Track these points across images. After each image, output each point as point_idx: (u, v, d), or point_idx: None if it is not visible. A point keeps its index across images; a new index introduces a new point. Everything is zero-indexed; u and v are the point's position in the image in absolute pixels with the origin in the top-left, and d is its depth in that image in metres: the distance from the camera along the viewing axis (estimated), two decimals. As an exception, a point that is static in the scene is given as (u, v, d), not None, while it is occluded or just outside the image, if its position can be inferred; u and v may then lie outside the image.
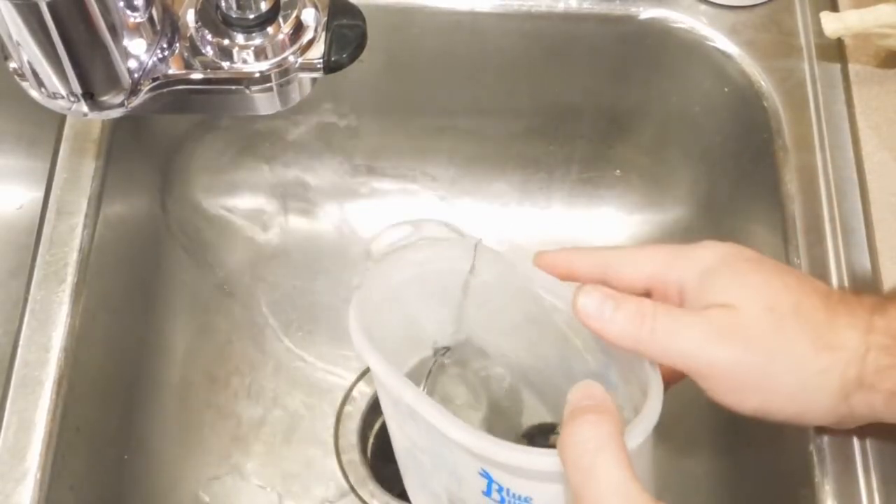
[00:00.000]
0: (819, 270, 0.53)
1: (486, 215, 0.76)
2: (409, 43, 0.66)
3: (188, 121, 0.71)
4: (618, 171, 0.74)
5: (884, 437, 0.47)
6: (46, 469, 0.50)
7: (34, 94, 0.47)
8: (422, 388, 0.50)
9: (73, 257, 0.55)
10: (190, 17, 0.49)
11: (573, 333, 0.44)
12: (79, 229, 0.56)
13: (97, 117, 0.49)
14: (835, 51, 0.60)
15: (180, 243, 0.72)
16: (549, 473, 0.37)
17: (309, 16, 0.49)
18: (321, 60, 0.49)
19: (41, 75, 0.45)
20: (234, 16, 0.48)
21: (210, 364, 0.71)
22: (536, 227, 0.76)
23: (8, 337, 0.53)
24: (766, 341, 0.40)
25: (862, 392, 0.40)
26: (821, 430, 0.48)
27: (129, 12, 0.46)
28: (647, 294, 0.43)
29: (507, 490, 0.39)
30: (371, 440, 0.69)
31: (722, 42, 0.62)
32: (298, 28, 0.49)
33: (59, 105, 0.47)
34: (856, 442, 0.47)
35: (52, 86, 0.46)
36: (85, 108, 0.47)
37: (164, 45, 0.48)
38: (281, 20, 0.49)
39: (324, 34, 0.49)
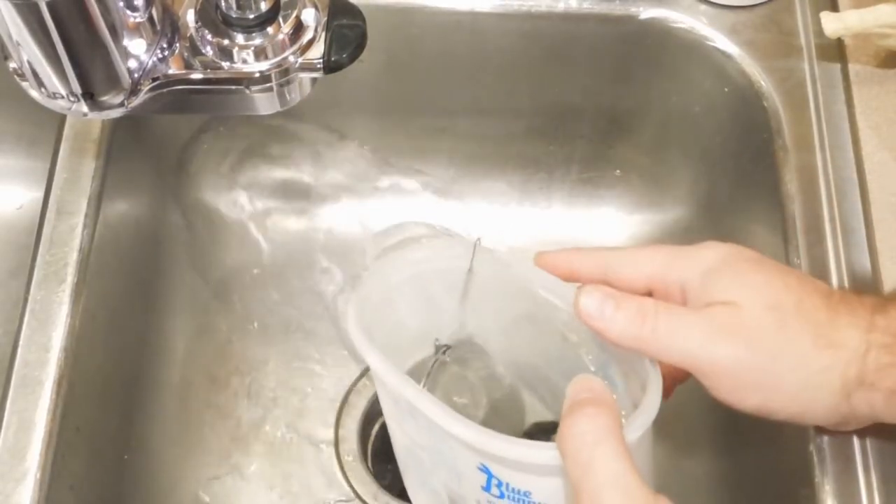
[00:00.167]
0: (819, 270, 0.53)
1: (486, 215, 0.76)
2: (409, 43, 0.66)
3: (188, 121, 0.71)
4: (618, 171, 0.74)
5: (884, 437, 0.47)
6: (46, 469, 0.50)
7: (34, 94, 0.47)
8: (422, 386, 0.50)
9: (73, 257, 0.55)
10: (190, 17, 0.49)
11: (572, 332, 0.45)
12: (79, 229, 0.56)
13: (97, 117, 0.49)
14: (835, 51, 0.60)
15: (180, 243, 0.72)
16: (548, 467, 0.37)
17: (309, 16, 0.49)
18: (321, 60, 0.49)
19: (41, 75, 0.45)
20: (234, 16, 0.48)
21: (210, 364, 0.71)
22: (536, 227, 0.76)
23: (8, 337, 0.53)
24: (768, 339, 0.40)
25: (863, 390, 0.40)
26: (821, 430, 0.48)
27: (129, 12, 0.46)
28: (649, 294, 0.43)
29: (507, 485, 0.39)
30: (371, 440, 0.69)
31: (722, 42, 0.62)
32: (298, 28, 0.49)
33: (59, 105, 0.47)
34: (856, 442, 0.47)
35: (52, 86, 0.46)
36: (85, 108, 0.47)
37: (164, 45, 0.48)
38: (281, 20, 0.49)
39: (324, 34, 0.49)
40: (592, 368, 0.45)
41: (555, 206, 0.76)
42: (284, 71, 0.49)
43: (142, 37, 0.47)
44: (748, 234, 0.62)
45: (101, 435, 0.58)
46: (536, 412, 0.52)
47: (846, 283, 0.52)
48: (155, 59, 0.48)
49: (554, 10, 0.63)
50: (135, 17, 0.46)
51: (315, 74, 0.50)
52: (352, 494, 0.67)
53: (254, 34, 0.48)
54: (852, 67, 0.59)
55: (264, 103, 0.50)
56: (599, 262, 0.44)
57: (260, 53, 0.49)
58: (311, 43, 0.49)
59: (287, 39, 0.49)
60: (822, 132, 0.58)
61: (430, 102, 0.72)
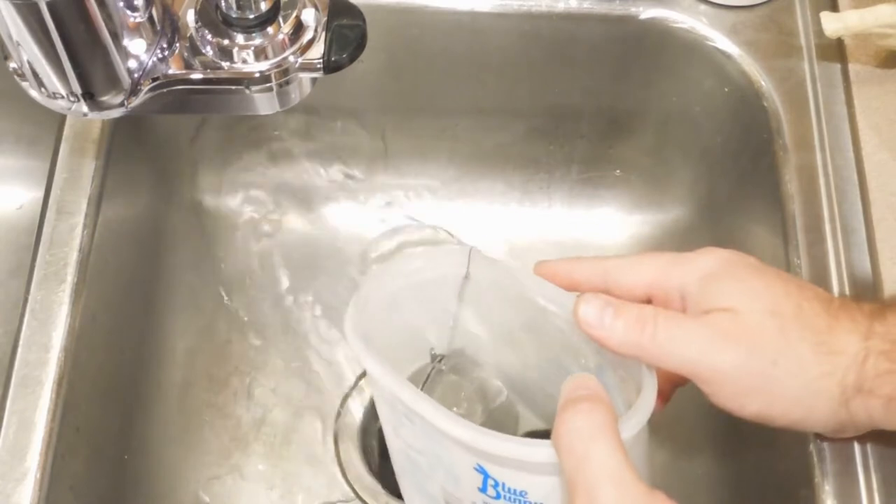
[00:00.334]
0: (819, 270, 0.53)
1: (487, 215, 0.76)
2: (409, 43, 0.66)
3: (188, 121, 0.71)
4: (618, 171, 0.74)
5: (884, 437, 0.47)
6: (46, 469, 0.50)
7: (34, 94, 0.47)
8: None
9: (73, 257, 0.55)
10: (190, 17, 0.49)
11: (568, 339, 0.45)
12: (79, 229, 0.56)
13: (97, 117, 0.49)
14: (835, 51, 0.60)
15: (180, 243, 0.72)
16: (544, 465, 0.37)
17: (309, 16, 0.49)
18: (321, 60, 0.49)
19: (41, 75, 0.45)
20: (234, 16, 0.48)
21: (210, 364, 0.71)
22: (536, 227, 0.76)
23: (8, 337, 0.53)
24: (768, 345, 0.40)
25: (861, 397, 0.40)
26: (819, 437, 0.48)
27: (129, 12, 0.45)
28: (648, 302, 0.43)
29: (503, 485, 0.39)
30: (371, 440, 0.69)
31: (722, 42, 0.62)
32: (298, 28, 0.49)
33: (59, 105, 0.47)
34: (856, 443, 0.47)
35: (52, 86, 0.46)
36: (85, 108, 0.47)
37: (164, 45, 0.48)
38: (281, 20, 0.49)
39: (324, 34, 0.49)
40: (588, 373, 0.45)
41: (555, 206, 0.76)
42: (284, 71, 0.49)
43: (142, 37, 0.47)
44: (748, 234, 0.62)
45: (101, 435, 0.58)
46: (531, 422, 0.52)
47: (846, 284, 0.52)
48: (155, 59, 0.48)
49: (554, 10, 0.63)
50: (135, 17, 0.46)
51: (315, 74, 0.50)
52: (352, 494, 0.67)
53: (254, 34, 0.48)
54: (852, 67, 0.59)
55: (264, 103, 0.50)
56: (599, 270, 0.44)
57: (260, 53, 0.49)
58: (311, 43, 0.49)
59: (287, 39, 0.49)
60: (822, 132, 0.58)
61: (430, 102, 0.72)
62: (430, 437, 0.41)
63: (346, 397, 0.70)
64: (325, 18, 0.50)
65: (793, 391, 0.40)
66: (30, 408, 0.51)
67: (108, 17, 0.44)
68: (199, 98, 0.50)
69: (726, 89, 0.63)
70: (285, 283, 0.74)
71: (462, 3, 0.63)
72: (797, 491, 0.49)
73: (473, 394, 0.53)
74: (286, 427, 0.69)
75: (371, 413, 0.70)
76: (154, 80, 0.48)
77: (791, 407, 0.41)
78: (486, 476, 0.40)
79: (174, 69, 0.49)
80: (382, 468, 0.68)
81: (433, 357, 0.51)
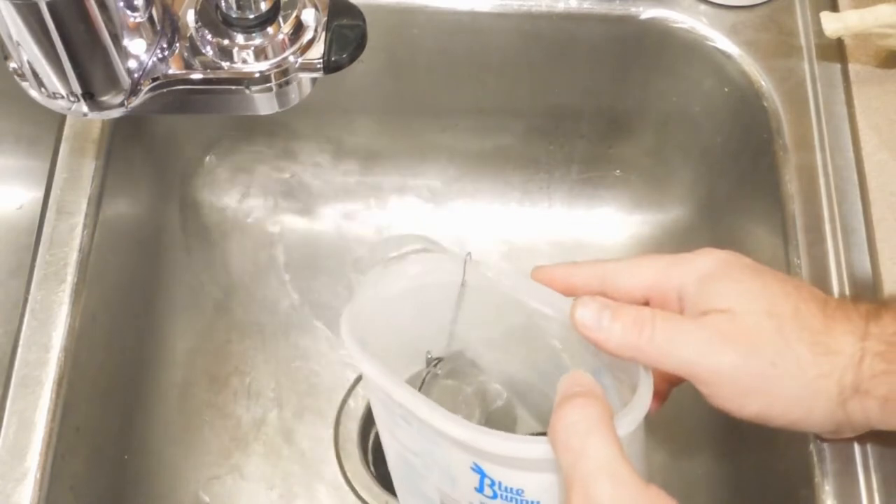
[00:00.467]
0: (819, 270, 0.53)
1: (487, 215, 0.76)
2: (409, 43, 0.66)
3: (188, 121, 0.71)
4: (618, 171, 0.74)
5: (883, 437, 0.47)
6: (46, 469, 0.50)
7: (34, 94, 0.47)
8: None
9: (73, 257, 0.55)
10: (190, 17, 0.49)
11: (563, 342, 0.45)
12: (79, 229, 0.56)
13: (97, 117, 0.49)
14: (835, 51, 0.60)
15: (180, 243, 0.72)
16: (540, 461, 0.37)
17: (309, 16, 0.49)
18: (321, 60, 0.49)
19: (41, 75, 0.45)
20: (234, 16, 0.48)
21: (210, 364, 0.71)
22: (537, 227, 0.76)
23: (8, 337, 0.53)
24: (766, 346, 0.40)
25: (858, 397, 0.40)
26: (817, 438, 0.48)
27: (129, 12, 0.45)
28: (646, 304, 0.43)
29: (500, 483, 0.39)
30: (371, 440, 0.69)
31: (722, 42, 0.62)
32: (298, 28, 0.49)
33: (59, 105, 0.47)
34: (855, 443, 0.47)
35: (52, 86, 0.46)
36: (85, 108, 0.47)
37: (164, 45, 0.48)
38: (281, 20, 0.49)
39: (324, 34, 0.49)
40: None
41: (555, 206, 0.76)
42: (284, 71, 0.49)
43: (142, 37, 0.47)
44: (748, 234, 0.62)
45: (101, 435, 0.58)
46: (528, 425, 0.52)
47: (846, 284, 0.52)
48: (155, 59, 0.48)
49: (554, 10, 0.63)
50: (135, 17, 0.46)
51: (315, 74, 0.50)
52: (352, 494, 0.67)
53: (254, 34, 0.48)
54: (852, 67, 0.59)
55: (264, 103, 0.50)
56: (596, 274, 0.44)
57: (260, 53, 0.49)
58: (311, 43, 0.49)
59: (287, 39, 0.49)
60: (822, 132, 0.58)
61: (430, 102, 0.72)
62: (426, 437, 0.41)
63: (345, 397, 0.70)
64: (325, 18, 0.50)
65: (791, 392, 0.40)
66: (30, 408, 0.51)
67: (108, 18, 0.44)
68: (199, 98, 0.50)
69: (726, 89, 0.63)
70: (285, 283, 0.74)
71: (462, 3, 0.63)
72: (797, 491, 0.49)
73: (472, 397, 0.53)
74: (286, 427, 0.69)
75: (371, 413, 0.69)
76: (154, 80, 0.48)
77: (789, 407, 0.41)
78: (482, 475, 0.40)
79: (174, 69, 0.49)
80: (383, 468, 0.68)
81: (429, 360, 0.51)
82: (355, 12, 0.50)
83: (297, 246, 0.75)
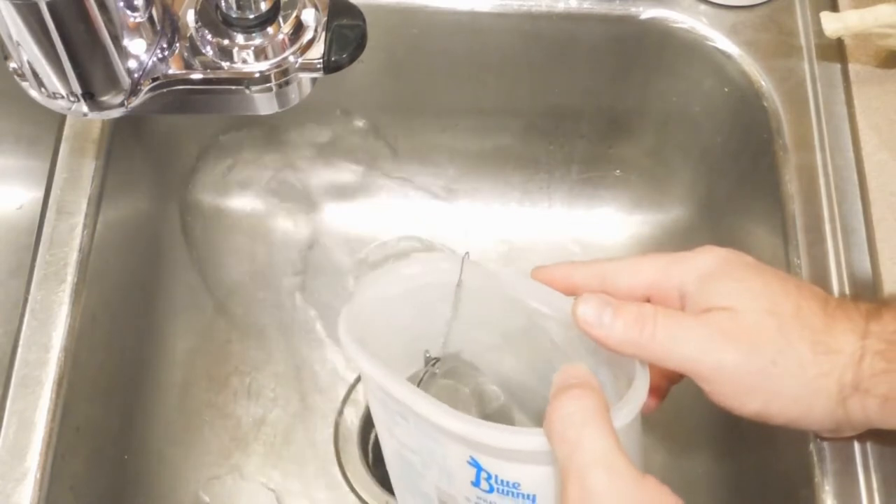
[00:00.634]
0: (819, 270, 0.53)
1: (487, 215, 0.76)
2: (409, 43, 0.66)
3: (188, 121, 0.71)
4: (618, 171, 0.74)
5: (883, 437, 0.47)
6: (46, 469, 0.50)
7: (34, 94, 0.47)
8: None
9: (73, 257, 0.55)
10: (190, 17, 0.49)
11: (561, 341, 0.45)
12: (79, 229, 0.56)
13: (97, 117, 0.49)
14: (835, 51, 0.60)
15: (180, 243, 0.72)
16: (536, 453, 0.37)
17: (309, 16, 0.49)
18: (321, 60, 0.49)
19: (41, 75, 0.45)
20: (234, 16, 0.48)
21: (210, 364, 0.71)
22: (537, 227, 0.76)
23: (8, 337, 0.53)
24: (768, 344, 0.40)
25: (858, 396, 0.40)
26: (817, 437, 0.48)
27: (129, 12, 0.45)
28: (647, 302, 0.43)
29: (496, 477, 0.39)
30: (371, 440, 0.69)
31: (722, 42, 0.62)
32: (298, 28, 0.49)
33: (59, 105, 0.47)
34: (856, 442, 0.47)
35: (52, 86, 0.46)
36: (85, 108, 0.47)
37: (164, 45, 0.48)
38: (281, 20, 0.49)
39: (324, 34, 0.49)
40: None
41: (555, 206, 0.76)
42: (284, 71, 0.49)
43: (142, 37, 0.47)
44: (748, 234, 0.62)
45: (101, 435, 0.58)
46: (526, 426, 0.52)
47: (846, 284, 0.52)
48: (155, 59, 0.48)
49: (554, 10, 0.63)
50: (135, 17, 0.46)
51: (315, 74, 0.50)
52: (351, 494, 0.67)
53: (254, 34, 0.48)
54: (852, 67, 0.59)
55: (264, 103, 0.50)
56: (597, 273, 0.44)
57: (260, 53, 0.49)
58: (311, 43, 0.49)
59: (287, 39, 0.49)
60: (822, 132, 0.58)
61: (430, 102, 0.72)
62: (423, 433, 0.41)
63: (346, 397, 0.70)
64: (325, 18, 0.50)
65: (792, 390, 0.40)
66: (30, 408, 0.51)
67: (108, 18, 0.44)
68: (199, 98, 0.50)
69: (726, 89, 0.63)
70: (285, 283, 0.74)
71: (462, 3, 0.63)
72: (797, 490, 0.49)
73: (469, 397, 0.53)
74: (286, 427, 0.69)
75: (371, 413, 0.69)
76: (154, 80, 0.48)
77: (790, 405, 0.41)
78: (478, 469, 0.40)
79: (174, 69, 0.49)
80: (382, 468, 0.68)
81: (427, 360, 0.51)
82: (355, 12, 0.50)
83: (297, 246, 0.75)
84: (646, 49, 0.65)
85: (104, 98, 0.47)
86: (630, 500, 0.35)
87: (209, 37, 0.48)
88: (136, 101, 0.48)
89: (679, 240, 0.72)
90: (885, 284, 0.52)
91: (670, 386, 0.47)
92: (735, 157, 0.65)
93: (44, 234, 0.55)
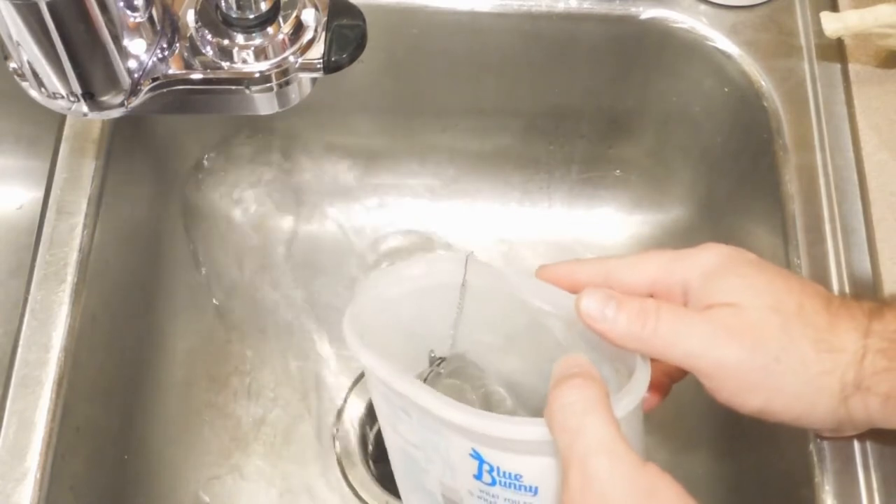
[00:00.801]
0: (819, 270, 0.53)
1: (487, 215, 0.76)
2: (409, 43, 0.66)
3: (188, 121, 0.71)
4: (618, 171, 0.74)
5: (883, 436, 0.47)
6: (46, 469, 0.50)
7: (34, 94, 0.47)
8: None
9: (73, 257, 0.55)
10: (190, 17, 0.49)
11: (564, 338, 0.45)
12: (79, 229, 0.56)
13: (97, 117, 0.49)
14: (835, 51, 0.60)
15: (180, 243, 0.72)
16: (538, 444, 0.37)
17: (309, 16, 0.49)
18: (321, 60, 0.49)
19: (41, 75, 0.45)
20: (234, 16, 0.48)
21: (210, 364, 0.71)
22: (537, 227, 0.76)
23: (8, 337, 0.53)
24: (771, 341, 0.40)
25: (859, 395, 0.40)
26: (818, 436, 0.48)
27: (129, 12, 0.46)
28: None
29: (498, 469, 0.39)
30: (371, 440, 0.69)
31: (722, 42, 0.62)
32: (298, 28, 0.49)
33: (59, 105, 0.47)
34: (856, 442, 0.47)
35: (52, 86, 0.46)
36: (85, 108, 0.47)
37: (164, 45, 0.48)
38: (281, 20, 0.49)
39: (324, 34, 0.49)
40: None
41: (555, 206, 0.76)
42: (284, 71, 0.49)
43: (142, 37, 0.47)
44: (748, 234, 0.62)
45: (101, 435, 0.58)
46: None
47: (846, 283, 0.52)
48: (155, 59, 0.48)
49: (554, 10, 0.63)
50: (135, 17, 0.46)
51: (315, 74, 0.50)
52: (352, 494, 0.67)
53: (254, 34, 0.48)
54: (852, 67, 0.59)
55: (264, 103, 0.50)
56: (600, 270, 0.44)
57: (260, 53, 0.49)
58: (311, 43, 0.49)
59: (287, 39, 0.49)
60: (822, 132, 0.58)
61: (430, 102, 0.72)
62: (426, 427, 0.41)
63: (346, 397, 0.70)
64: (325, 18, 0.50)
65: (794, 388, 0.40)
66: (30, 408, 0.51)
67: (108, 18, 0.44)
68: (199, 98, 0.50)
69: (726, 89, 0.63)
70: (285, 282, 0.74)
71: (462, 3, 0.63)
72: (797, 490, 0.49)
73: (472, 397, 0.53)
74: (286, 427, 0.69)
75: (371, 413, 0.70)
76: (154, 80, 0.48)
77: (792, 403, 0.41)
78: (481, 461, 0.40)
79: (174, 69, 0.49)
80: (383, 468, 0.68)
81: (432, 360, 0.51)
82: (355, 12, 0.50)
83: (297, 246, 0.75)
84: (646, 49, 0.65)
85: (104, 98, 0.47)
86: (632, 486, 0.35)
87: (209, 37, 0.48)
88: (136, 101, 0.48)
89: (679, 240, 0.72)
90: (885, 284, 0.52)
91: (672, 384, 0.47)
92: (735, 157, 0.65)
93: (44, 234, 0.55)
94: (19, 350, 0.52)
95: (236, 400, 0.70)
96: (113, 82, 0.47)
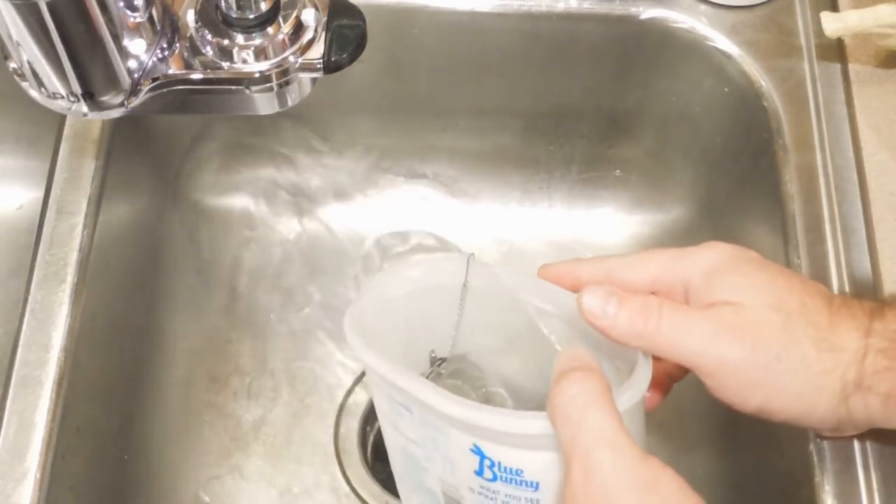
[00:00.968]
0: (819, 270, 0.53)
1: (487, 215, 0.76)
2: (409, 43, 0.66)
3: (188, 121, 0.71)
4: (618, 171, 0.74)
5: (883, 436, 0.47)
6: (46, 469, 0.50)
7: (34, 94, 0.47)
8: None
9: (73, 257, 0.55)
10: (190, 17, 0.49)
11: (566, 339, 0.45)
12: (79, 229, 0.56)
13: (97, 117, 0.49)
14: (835, 51, 0.60)
15: (180, 243, 0.72)
16: (539, 438, 0.37)
17: (309, 16, 0.49)
18: (321, 60, 0.49)
19: (41, 75, 0.45)
20: (234, 16, 0.48)
21: (210, 364, 0.71)
22: (537, 227, 0.76)
23: (8, 337, 0.53)
24: (773, 339, 0.40)
25: (860, 394, 0.40)
26: (819, 436, 0.48)
27: (129, 12, 0.45)
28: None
29: (499, 464, 0.39)
30: (371, 440, 0.69)
31: (722, 42, 0.62)
32: (298, 28, 0.49)
33: (59, 105, 0.47)
34: (856, 442, 0.47)
35: (52, 86, 0.46)
36: (85, 108, 0.47)
37: (164, 45, 0.48)
38: (281, 20, 0.49)
39: (324, 34, 0.49)
40: None
41: (555, 206, 0.76)
42: (284, 71, 0.49)
43: (142, 37, 0.47)
44: (748, 234, 0.62)
45: (101, 435, 0.58)
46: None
47: (846, 283, 0.52)
48: (155, 59, 0.48)
49: (554, 10, 0.63)
50: (135, 17, 0.46)
51: (315, 74, 0.50)
52: (352, 494, 0.67)
53: (254, 34, 0.48)
54: (852, 67, 0.59)
55: (264, 103, 0.50)
56: (601, 269, 0.44)
57: (260, 53, 0.49)
58: (311, 43, 0.49)
59: (287, 39, 0.49)
60: (822, 132, 0.58)
61: (430, 102, 0.72)
62: (427, 423, 0.41)
63: (346, 397, 0.70)
64: (325, 18, 0.50)
65: (795, 387, 0.40)
66: (30, 408, 0.51)
67: (108, 18, 0.44)
68: (199, 98, 0.50)
69: (726, 89, 0.63)
70: (285, 282, 0.74)
71: (462, 3, 0.63)
72: (797, 490, 0.49)
73: (475, 398, 0.53)
74: (286, 427, 0.69)
75: (371, 413, 0.70)
76: (154, 80, 0.48)
77: (792, 402, 0.41)
78: (482, 457, 0.40)
79: (174, 69, 0.49)
80: (383, 468, 0.68)
81: (433, 360, 0.51)
82: (355, 12, 0.50)
83: (297, 246, 0.75)
84: (646, 49, 0.65)
85: (104, 98, 0.47)
86: (634, 479, 0.35)
87: (209, 37, 0.48)
88: (136, 101, 0.48)
89: (679, 240, 0.72)
90: (885, 284, 0.52)
91: (672, 383, 0.47)
92: (735, 157, 0.65)
93: (44, 234, 0.55)
94: (19, 350, 0.52)
95: (236, 400, 0.70)
96: (113, 82, 0.47)
